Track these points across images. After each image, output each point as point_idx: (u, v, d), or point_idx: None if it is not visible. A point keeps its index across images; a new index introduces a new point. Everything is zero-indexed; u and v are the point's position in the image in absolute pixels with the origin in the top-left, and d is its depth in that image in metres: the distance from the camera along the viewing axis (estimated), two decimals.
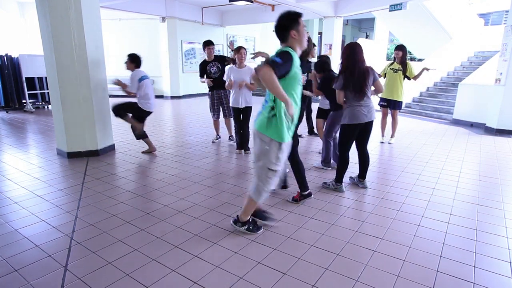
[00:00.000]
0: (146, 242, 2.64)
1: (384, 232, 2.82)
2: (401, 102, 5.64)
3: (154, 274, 2.23)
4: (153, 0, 11.01)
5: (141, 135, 5.00)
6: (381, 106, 5.75)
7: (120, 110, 4.72)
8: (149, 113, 4.91)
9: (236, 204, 3.35)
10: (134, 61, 4.72)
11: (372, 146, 5.70)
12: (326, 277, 2.20)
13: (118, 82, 4.62)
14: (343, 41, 19.73)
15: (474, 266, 2.36)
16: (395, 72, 5.45)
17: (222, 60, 5.45)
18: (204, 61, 5.48)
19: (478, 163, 4.86)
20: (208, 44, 5.39)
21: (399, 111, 5.78)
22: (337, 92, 3.49)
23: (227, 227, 2.87)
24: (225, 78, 4.95)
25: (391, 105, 5.64)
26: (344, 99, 3.50)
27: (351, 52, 3.37)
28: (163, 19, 11.62)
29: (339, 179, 3.70)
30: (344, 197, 3.58)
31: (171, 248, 2.55)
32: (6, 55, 8.96)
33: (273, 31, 2.37)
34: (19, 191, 3.64)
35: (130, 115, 4.78)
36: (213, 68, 5.34)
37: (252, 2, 9.93)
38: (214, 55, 5.43)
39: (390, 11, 9.38)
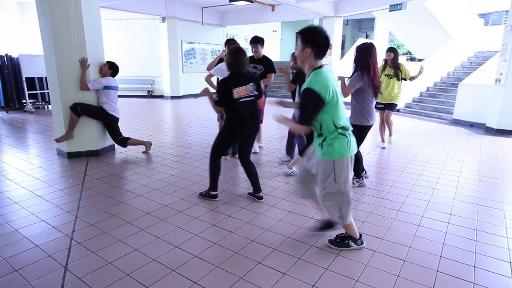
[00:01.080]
0: (146, 242, 2.63)
1: (384, 232, 2.82)
2: (396, 104, 5.56)
3: (154, 274, 2.22)
4: (153, 0, 11.01)
5: (123, 141, 5.02)
6: (378, 109, 5.55)
7: (77, 107, 4.56)
8: (116, 119, 4.95)
9: (236, 204, 3.34)
10: (112, 68, 4.83)
11: (372, 146, 5.71)
12: (327, 277, 2.20)
13: (82, 60, 4.52)
14: (343, 41, 19.73)
15: (474, 266, 2.36)
16: (390, 78, 5.36)
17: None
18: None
19: (478, 163, 4.86)
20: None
21: (393, 113, 5.66)
22: (349, 88, 3.46)
23: (227, 227, 2.86)
24: (217, 74, 4.61)
25: (386, 106, 5.53)
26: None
27: (372, 52, 3.37)
28: (163, 19, 11.63)
29: (358, 174, 3.78)
30: None
31: (171, 248, 2.54)
32: (6, 55, 8.97)
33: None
34: (19, 191, 3.63)
35: (77, 118, 4.61)
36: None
37: (252, 2, 9.93)
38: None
39: (390, 11, 9.38)
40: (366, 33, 23.96)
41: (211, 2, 11.51)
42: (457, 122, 7.95)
